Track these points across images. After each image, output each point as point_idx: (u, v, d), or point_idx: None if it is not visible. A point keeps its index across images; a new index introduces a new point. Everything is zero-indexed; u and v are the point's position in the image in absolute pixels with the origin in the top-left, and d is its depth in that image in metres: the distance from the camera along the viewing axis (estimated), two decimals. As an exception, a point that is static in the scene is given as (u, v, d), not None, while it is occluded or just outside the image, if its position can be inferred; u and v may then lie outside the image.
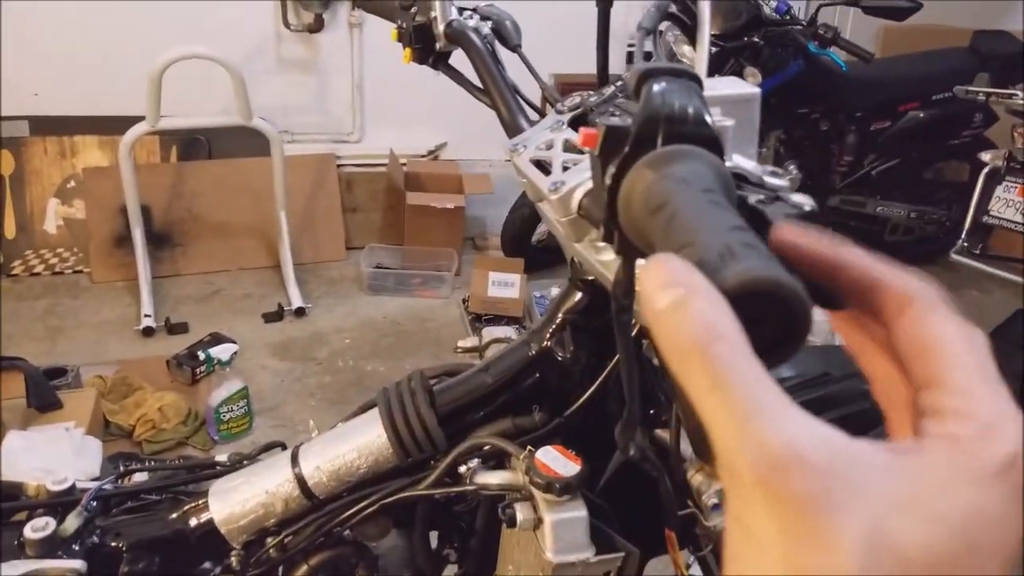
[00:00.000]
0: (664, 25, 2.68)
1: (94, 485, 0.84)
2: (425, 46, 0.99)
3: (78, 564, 0.75)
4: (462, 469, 0.72)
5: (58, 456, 1.87)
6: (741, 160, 0.36)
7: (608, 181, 0.34)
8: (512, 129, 0.81)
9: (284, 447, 0.83)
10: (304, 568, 0.79)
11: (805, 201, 0.33)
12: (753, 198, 0.33)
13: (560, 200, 0.54)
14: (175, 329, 2.92)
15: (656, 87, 0.34)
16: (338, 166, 3.61)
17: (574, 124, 0.63)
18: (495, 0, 1.00)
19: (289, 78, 3.57)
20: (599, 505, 0.69)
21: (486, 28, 0.93)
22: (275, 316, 3.06)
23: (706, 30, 0.91)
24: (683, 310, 0.25)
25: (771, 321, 0.25)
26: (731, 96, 0.43)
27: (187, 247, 3.37)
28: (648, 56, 2.34)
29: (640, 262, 0.32)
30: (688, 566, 0.74)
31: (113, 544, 0.79)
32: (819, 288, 0.30)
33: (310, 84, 3.62)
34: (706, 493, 0.64)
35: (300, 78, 3.59)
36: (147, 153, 3.37)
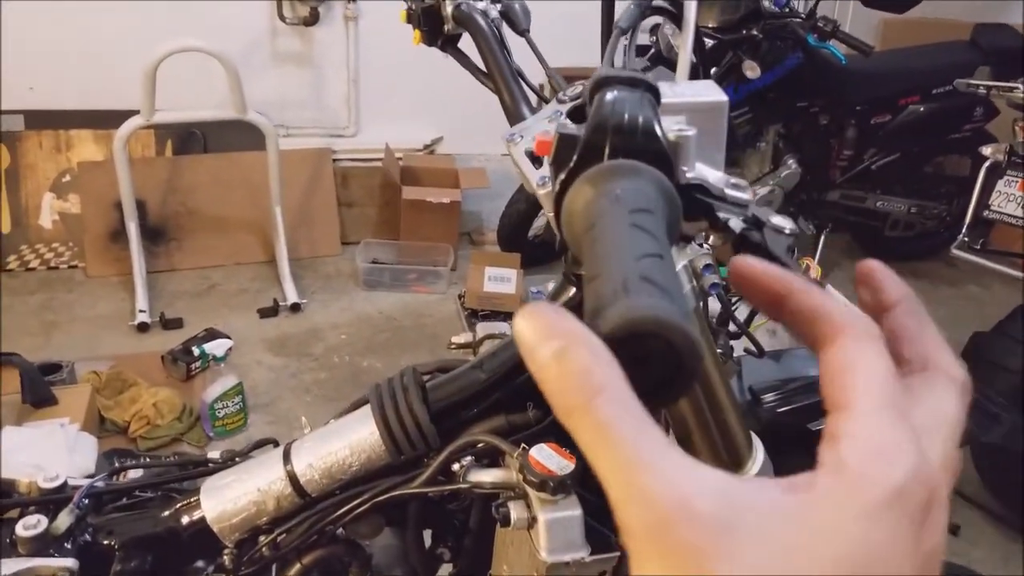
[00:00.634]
0: (660, 19, 2.67)
1: (86, 482, 0.83)
2: (433, 28, 0.98)
3: (70, 562, 0.75)
4: (455, 467, 0.71)
5: (53, 452, 1.87)
6: (705, 170, 0.36)
7: (556, 189, 0.33)
8: (513, 115, 0.80)
9: (276, 444, 0.82)
10: (297, 567, 0.78)
11: (785, 224, 0.33)
12: (736, 222, 0.32)
13: (546, 196, 0.53)
14: (170, 324, 2.91)
15: (608, 96, 0.33)
16: (334, 160, 3.60)
17: (574, 115, 0.62)
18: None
19: (284, 72, 3.56)
20: (594, 504, 0.68)
21: (494, 11, 0.92)
22: (270, 311, 3.05)
23: (690, 32, 0.91)
24: (563, 362, 0.25)
25: (659, 359, 0.25)
26: (697, 104, 0.42)
27: (182, 242, 3.35)
28: (639, 52, 2.32)
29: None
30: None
31: (105, 542, 0.78)
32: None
33: (306, 78, 3.61)
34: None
35: (296, 72, 3.58)
36: (142, 147, 3.36)
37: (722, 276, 0.44)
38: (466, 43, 0.99)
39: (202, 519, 0.77)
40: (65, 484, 0.83)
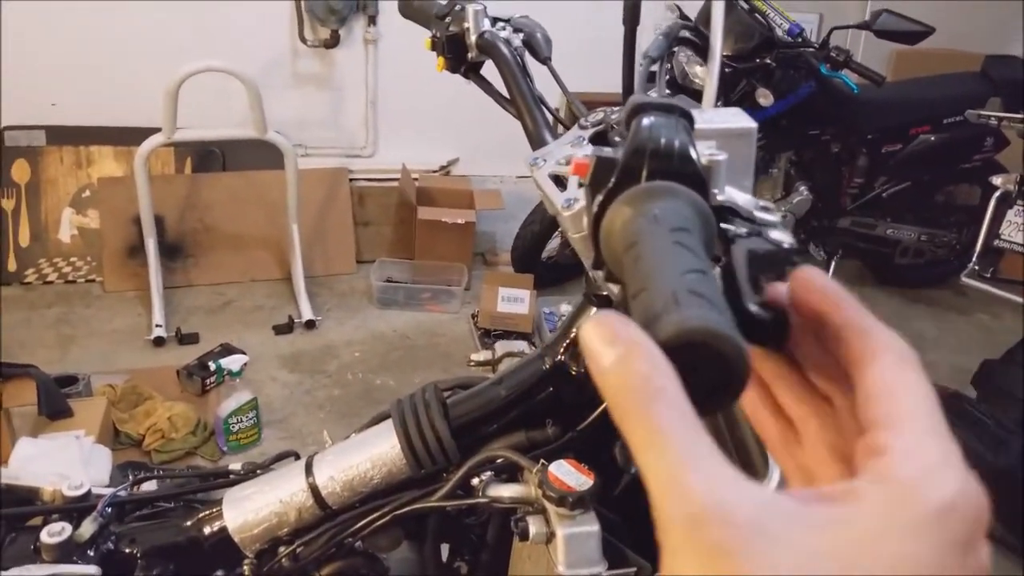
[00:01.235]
0: (675, 47, 2.70)
1: (110, 491, 0.85)
2: (457, 56, 1.01)
3: (93, 570, 0.76)
4: (475, 482, 0.72)
5: (68, 464, 1.89)
6: (734, 193, 0.37)
7: (595, 210, 0.35)
8: (536, 141, 0.82)
9: (297, 456, 0.83)
10: (316, 578, 0.79)
11: (784, 238, 0.34)
12: (739, 235, 0.34)
13: (573, 217, 0.55)
14: (186, 339, 2.94)
15: (645, 121, 0.35)
16: (351, 180, 3.64)
17: (596, 140, 0.64)
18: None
19: (304, 93, 3.61)
20: (611, 519, 0.69)
21: (517, 40, 0.95)
22: (285, 328, 3.07)
23: (717, 60, 0.93)
24: (623, 367, 0.26)
25: (709, 368, 0.26)
26: (727, 130, 0.44)
27: (199, 258, 3.39)
28: (653, 78, 2.35)
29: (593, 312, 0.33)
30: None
31: (127, 550, 0.80)
32: (767, 325, 0.30)
33: (325, 99, 3.65)
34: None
35: (315, 93, 3.63)
36: (162, 164, 3.41)
37: None
38: (488, 70, 1.01)
39: (223, 529, 0.78)
40: (89, 492, 0.84)
